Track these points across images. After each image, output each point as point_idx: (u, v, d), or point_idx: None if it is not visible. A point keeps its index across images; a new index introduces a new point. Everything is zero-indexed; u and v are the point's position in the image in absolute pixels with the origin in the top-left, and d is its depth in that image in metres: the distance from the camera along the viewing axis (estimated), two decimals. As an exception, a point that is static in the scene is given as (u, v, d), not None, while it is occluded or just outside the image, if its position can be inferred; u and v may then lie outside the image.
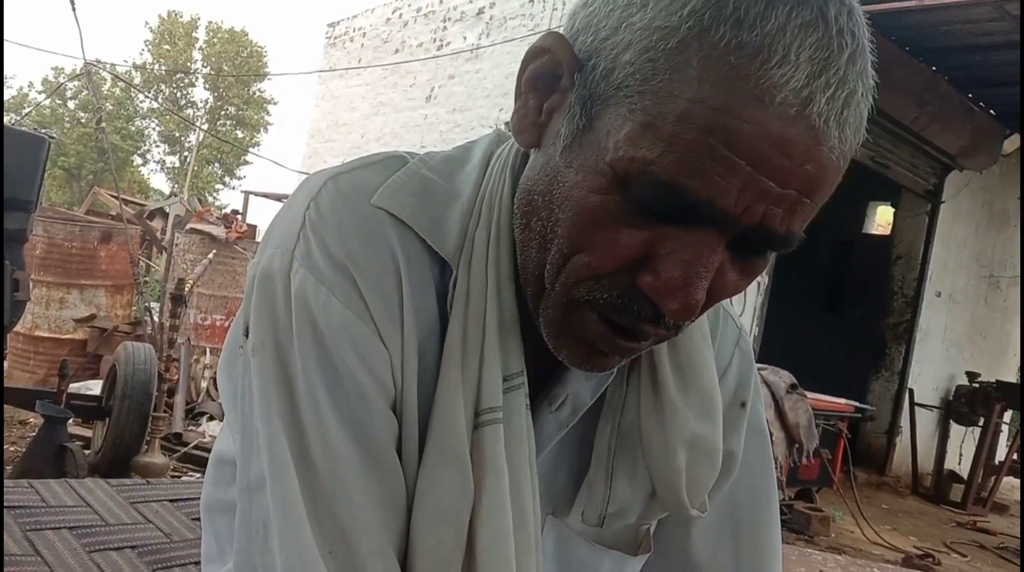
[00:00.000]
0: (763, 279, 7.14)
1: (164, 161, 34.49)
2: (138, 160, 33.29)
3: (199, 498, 0.82)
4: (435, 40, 10.45)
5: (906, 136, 7.93)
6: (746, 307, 7.00)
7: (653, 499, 0.72)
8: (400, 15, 11.26)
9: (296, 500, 0.57)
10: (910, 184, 8.68)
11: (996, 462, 8.53)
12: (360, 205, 0.62)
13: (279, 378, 0.59)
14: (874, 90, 0.55)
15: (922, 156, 8.45)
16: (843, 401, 6.40)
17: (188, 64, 33.07)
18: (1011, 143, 8.83)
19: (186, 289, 4.68)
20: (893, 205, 9.83)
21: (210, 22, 34.22)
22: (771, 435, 4.97)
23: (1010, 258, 10.37)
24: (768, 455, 0.83)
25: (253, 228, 7.12)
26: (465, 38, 9.92)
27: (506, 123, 0.66)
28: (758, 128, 0.49)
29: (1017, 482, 9.40)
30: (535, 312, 0.63)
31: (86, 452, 3.82)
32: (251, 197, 12.13)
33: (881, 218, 11.39)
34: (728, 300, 0.65)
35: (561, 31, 0.60)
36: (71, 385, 4.18)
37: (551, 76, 0.60)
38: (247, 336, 0.62)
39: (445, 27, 10.32)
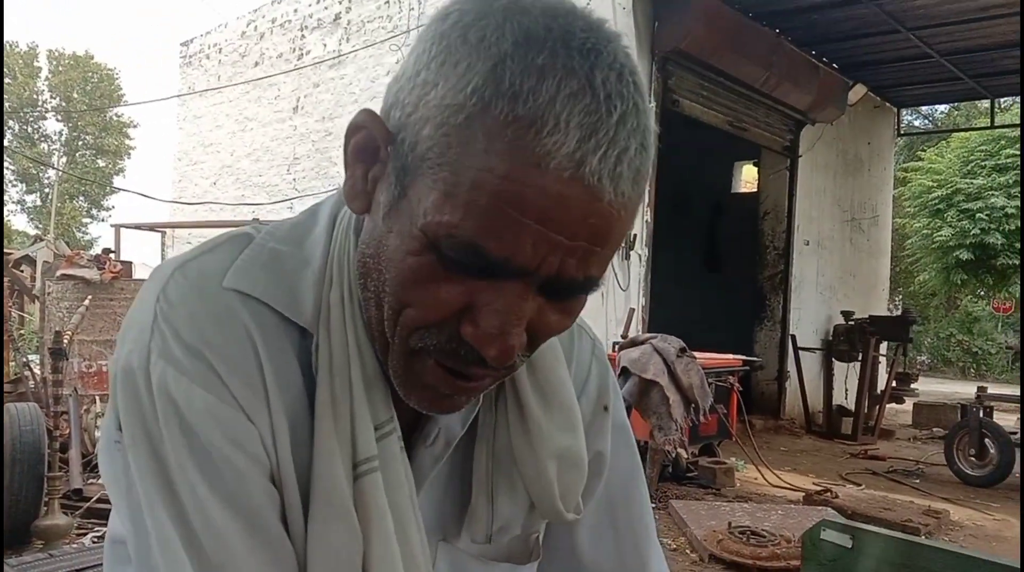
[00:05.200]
0: (643, 252, 7.39)
1: (24, 201, 32.62)
2: (-6, 203, 31.32)
3: (101, 565, 0.84)
4: (295, 50, 10.28)
5: (758, 98, 8.33)
6: (631, 282, 7.25)
7: (533, 510, 0.80)
8: (255, 27, 11.00)
9: None
10: (768, 142, 9.12)
11: (878, 392, 9.13)
12: (209, 290, 0.66)
13: (156, 471, 0.63)
14: (655, 140, 0.63)
15: (776, 115, 8.89)
16: (731, 356, 6.70)
17: (34, 96, 31.27)
18: (855, 93, 9.40)
19: (64, 341, 4.51)
20: (756, 164, 10.28)
21: (50, 50, 32.30)
22: (668, 399, 5.19)
23: (867, 200, 11.04)
24: (632, 446, 0.92)
25: (128, 265, 6.87)
26: (325, 45, 9.79)
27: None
28: (540, 191, 0.56)
29: (899, 407, 10.09)
30: (385, 365, 0.68)
31: (-20, 524, 3.66)
32: (122, 230, 11.62)
33: (747, 176, 11.90)
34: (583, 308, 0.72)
35: (378, 109, 0.66)
36: (-47, 457, 3.99)
37: (371, 147, 0.65)
38: (121, 430, 0.65)
39: (303, 36, 10.16)
